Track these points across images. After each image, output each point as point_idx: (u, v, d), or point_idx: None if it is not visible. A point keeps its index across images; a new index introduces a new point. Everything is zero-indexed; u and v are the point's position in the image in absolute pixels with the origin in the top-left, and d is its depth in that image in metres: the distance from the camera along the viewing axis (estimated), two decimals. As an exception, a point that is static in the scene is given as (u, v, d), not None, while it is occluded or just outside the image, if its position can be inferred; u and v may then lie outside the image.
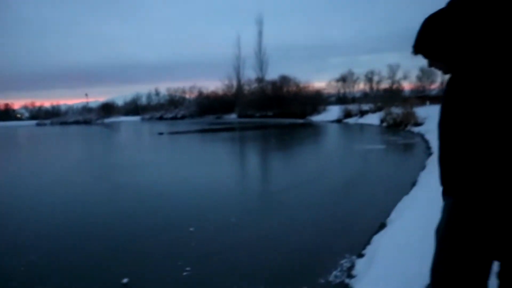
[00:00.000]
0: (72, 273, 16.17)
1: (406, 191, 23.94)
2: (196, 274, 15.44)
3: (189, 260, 16.65)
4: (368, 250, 16.19)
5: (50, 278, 15.68)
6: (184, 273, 15.25)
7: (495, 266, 3.91)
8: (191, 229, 19.79)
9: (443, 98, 3.36)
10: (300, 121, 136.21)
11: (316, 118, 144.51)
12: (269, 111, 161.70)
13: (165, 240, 19.46)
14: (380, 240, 16.23)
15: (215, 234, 20.18)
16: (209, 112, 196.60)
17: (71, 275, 15.91)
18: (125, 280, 14.67)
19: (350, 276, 14.42)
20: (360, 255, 15.74)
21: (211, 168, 40.38)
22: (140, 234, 20.32)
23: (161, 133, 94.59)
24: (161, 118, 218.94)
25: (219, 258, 17.15)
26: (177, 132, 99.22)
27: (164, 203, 26.86)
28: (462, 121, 3.18)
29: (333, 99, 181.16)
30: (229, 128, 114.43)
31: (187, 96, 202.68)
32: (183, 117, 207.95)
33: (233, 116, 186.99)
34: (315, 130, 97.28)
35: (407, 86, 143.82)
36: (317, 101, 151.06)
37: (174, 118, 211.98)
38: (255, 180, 36.01)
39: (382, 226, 18.14)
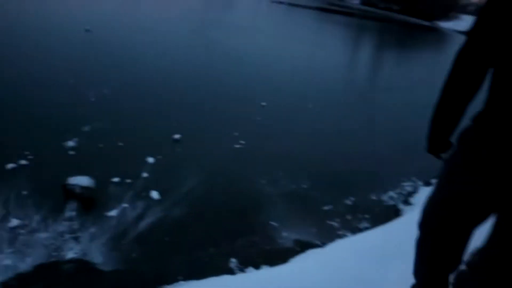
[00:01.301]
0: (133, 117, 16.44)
1: None
2: (247, 148, 15.01)
3: (246, 135, 16.08)
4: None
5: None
6: (237, 145, 14.77)
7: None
8: (263, 103, 18.91)
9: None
10: (426, 23, 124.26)
11: (444, 24, 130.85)
12: (395, 5, 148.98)
13: (232, 109, 18.86)
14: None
15: (285, 114, 19.19)
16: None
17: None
18: (176, 136, 16.24)
19: (406, 202, 12.90)
20: (428, 183, 13.96)
21: (313, 49, 37.99)
22: (212, 97, 19.99)
23: (280, 2, 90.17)
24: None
25: (278, 139, 16.44)
26: (296, 5, 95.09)
27: (249, 72, 25.85)
28: None
29: (472, 8, 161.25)
30: (348, 12, 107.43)
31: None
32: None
33: (355, 1, 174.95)
34: (442, 39, 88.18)
35: None
36: (452, 5, 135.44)
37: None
38: (356, 74, 33.49)
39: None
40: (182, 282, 10.58)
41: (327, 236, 11.91)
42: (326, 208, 12.75)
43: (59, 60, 22.82)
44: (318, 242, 11.70)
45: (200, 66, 24.85)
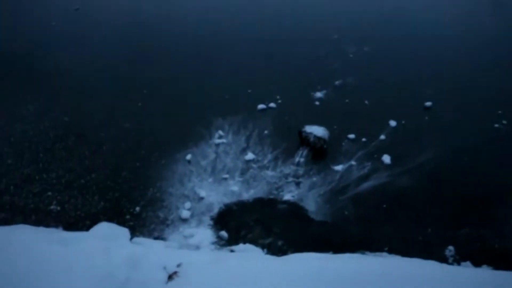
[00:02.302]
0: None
1: None
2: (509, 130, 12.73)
3: None
4: None
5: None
6: (496, 125, 12.69)
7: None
8: None
9: None
10: None
11: None
12: None
13: (501, 84, 16.24)
14: None
15: None
16: None
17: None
18: (428, 104, 14.90)
19: None
20: None
21: None
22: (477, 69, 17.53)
23: None
24: None
25: None
26: None
27: None
28: None
29: None
30: None
31: None
32: None
33: None
34: None
35: None
36: None
37: None
38: None
39: None
40: (385, 254, 9.87)
41: None
42: None
43: (329, 16, 23.39)
44: None
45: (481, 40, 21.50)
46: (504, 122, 14.69)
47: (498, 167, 12.64)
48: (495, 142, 13.83)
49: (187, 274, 7.25)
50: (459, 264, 9.51)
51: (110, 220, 10.08)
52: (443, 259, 9.55)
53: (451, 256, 9.75)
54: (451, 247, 9.93)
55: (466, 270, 8.75)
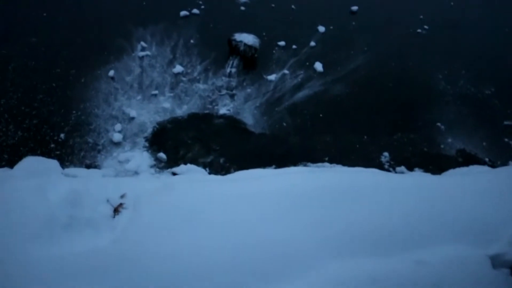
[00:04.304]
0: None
1: None
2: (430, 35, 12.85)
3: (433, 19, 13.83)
4: None
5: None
6: (419, 30, 12.73)
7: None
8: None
9: None
10: None
11: None
12: None
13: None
14: None
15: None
16: None
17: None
18: (354, 8, 14.36)
19: None
20: None
21: None
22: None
23: None
24: None
25: (469, 29, 13.87)
26: None
27: None
28: None
29: None
30: None
31: None
32: None
33: None
34: None
35: None
36: None
37: None
38: None
39: None
40: (327, 164, 9.94)
41: (500, 155, 10.01)
42: (507, 122, 10.57)
43: None
44: (485, 159, 9.86)
45: None
46: (426, 27, 14.76)
47: (422, 71, 12.85)
48: (418, 47, 13.93)
49: (134, 205, 6.73)
50: (394, 169, 9.91)
51: (32, 151, 8.97)
52: (380, 166, 9.86)
53: (387, 162, 10.08)
54: (386, 153, 10.21)
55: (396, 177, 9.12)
